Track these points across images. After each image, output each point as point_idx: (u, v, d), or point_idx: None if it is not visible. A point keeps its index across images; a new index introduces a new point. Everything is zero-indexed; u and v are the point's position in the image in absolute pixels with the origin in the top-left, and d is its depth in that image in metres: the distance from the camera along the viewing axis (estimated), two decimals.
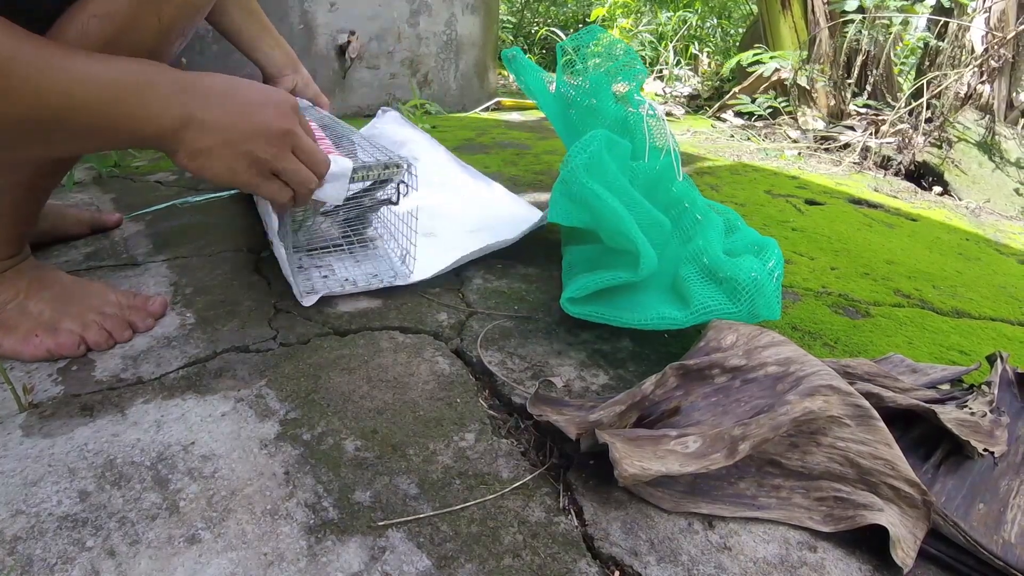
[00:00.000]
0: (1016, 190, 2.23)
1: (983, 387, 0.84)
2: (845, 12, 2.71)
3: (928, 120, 2.50)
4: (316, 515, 0.61)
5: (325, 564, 0.56)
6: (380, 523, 0.61)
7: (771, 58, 2.91)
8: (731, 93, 3.30)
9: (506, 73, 3.94)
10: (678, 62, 4.47)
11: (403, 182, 1.00)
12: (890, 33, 2.82)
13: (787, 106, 2.98)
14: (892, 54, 3.02)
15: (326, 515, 0.61)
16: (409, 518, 0.62)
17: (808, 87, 2.96)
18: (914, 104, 2.56)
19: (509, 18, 5.88)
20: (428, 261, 1.10)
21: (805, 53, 2.95)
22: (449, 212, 1.39)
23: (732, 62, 3.33)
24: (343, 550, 0.58)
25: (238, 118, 0.73)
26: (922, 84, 2.55)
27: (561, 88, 1.19)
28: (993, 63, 2.48)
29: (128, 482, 0.64)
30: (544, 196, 1.62)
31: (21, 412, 0.73)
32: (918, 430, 0.76)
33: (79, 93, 0.62)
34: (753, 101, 3.05)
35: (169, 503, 0.62)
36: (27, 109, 0.59)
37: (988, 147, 2.38)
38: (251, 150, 0.74)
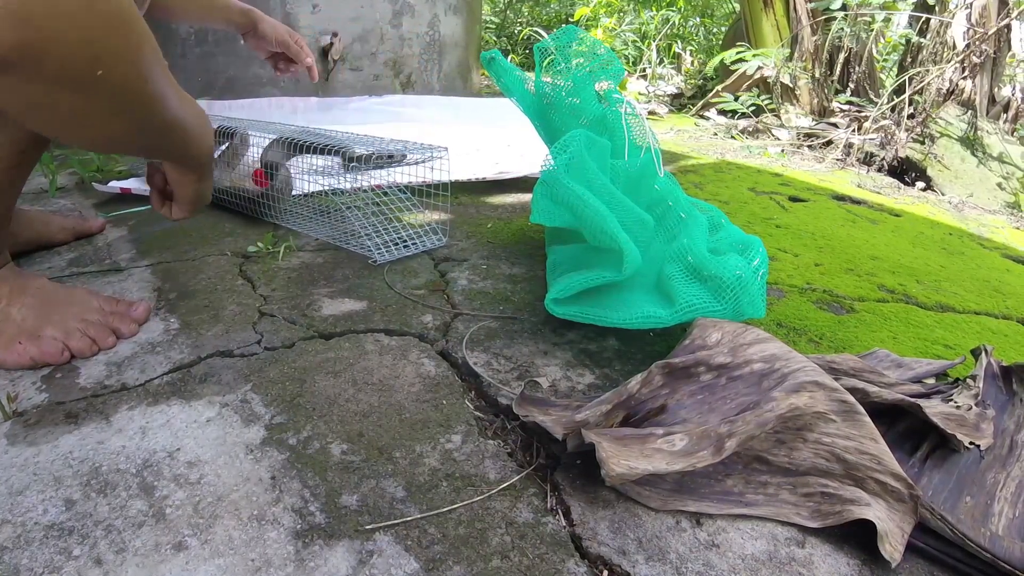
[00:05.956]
0: (999, 184, 2.25)
1: (968, 381, 0.84)
2: (828, 10, 2.72)
3: (911, 116, 2.52)
4: (303, 520, 0.61)
5: (313, 569, 0.56)
6: (367, 527, 0.61)
7: (754, 56, 2.93)
8: (714, 91, 3.32)
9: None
10: (661, 61, 4.49)
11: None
12: (872, 30, 2.83)
13: (770, 104, 2.99)
14: (874, 51, 3.04)
15: (313, 520, 0.61)
16: (396, 521, 0.62)
17: (791, 85, 2.97)
18: (896, 100, 2.58)
19: (492, 18, 5.88)
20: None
21: (788, 51, 2.96)
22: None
23: (715, 60, 3.34)
24: (331, 554, 0.57)
25: None
26: (904, 80, 2.56)
27: (540, 88, 1.19)
28: (975, 59, 2.50)
29: (114, 490, 0.63)
30: (526, 196, 1.62)
31: (5, 420, 0.72)
32: (904, 424, 0.76)
33: (178, 110, 0.72)
34: (736, 99, 3.06)
35: (155, 510, 0.61)
36: (146, 112, 0.68)
37: (970, 142, 2.40)
38: None
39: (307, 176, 1.42)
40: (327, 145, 1.17)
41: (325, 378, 0.83)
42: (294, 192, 1.38)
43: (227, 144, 1.39)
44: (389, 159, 1.16)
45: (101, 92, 0.59)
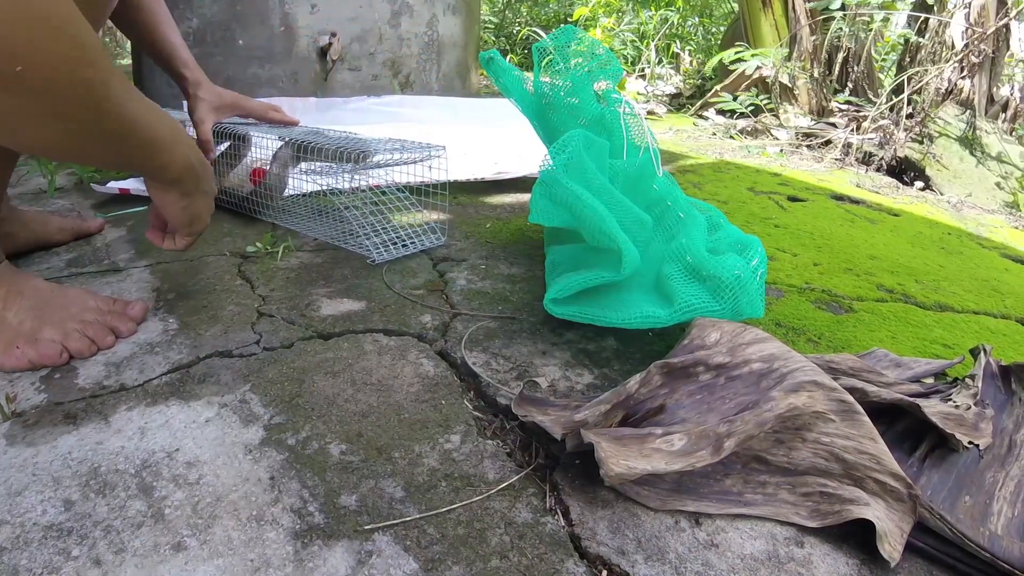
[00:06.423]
0: (997, 184, 2.25)
1: (967, 380, 0.84)
2: (827, 10, 2.72)
3: (909, 116, 2.52)
4: (302, 520, 0.61)
5: (312, 569, 0.56)
6: (366, 527, 0.61)
7: (753, 56, 2.92)
8: (713, 91, 3.32)
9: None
10: (660, 61, 4.49)
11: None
12: (871, 30, 2.83)
13: (769, 104, 2.99)
14: (873, 51, 3.04)
15: (312, 520, 0.61)
16: (395, 521, 0.61)
17: (790, 84, 2.97)
18: (895, 100, 2.58)
19: (491, 18, 5.88)
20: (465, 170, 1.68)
21: (786, 50, 2.96)
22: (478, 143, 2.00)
23: (714, 60, 3.34)
24: (330, 555, 0.57)
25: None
26: (903, 80, 2.56)
27: (539, 88, 1.19)
28: (973, 58, 2.50)
29: (113, 490, 0.63)
30: (525, 196, 1.62)
31: (4, 421, 0.72)
32: (903, 424, 0.77)
33: (132, 116, 0.71)
34: (735, 99, 3.06)
35: (154, 511, 0.61)
36: (104, 118, 0.67)
37: (969, 142, 2.40)
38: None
39: (305, 176, 1.42)
40: (337, 148, 1.16)
41: (324, 378, 0.83)
42: (292, 192, 1.37)
43: (227, 144, 1.39)
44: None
45: (25, 91, 0.57)
